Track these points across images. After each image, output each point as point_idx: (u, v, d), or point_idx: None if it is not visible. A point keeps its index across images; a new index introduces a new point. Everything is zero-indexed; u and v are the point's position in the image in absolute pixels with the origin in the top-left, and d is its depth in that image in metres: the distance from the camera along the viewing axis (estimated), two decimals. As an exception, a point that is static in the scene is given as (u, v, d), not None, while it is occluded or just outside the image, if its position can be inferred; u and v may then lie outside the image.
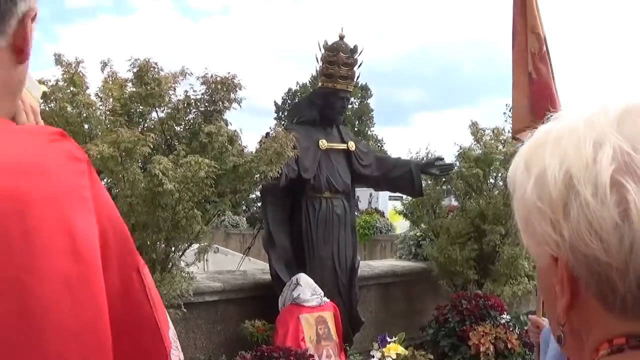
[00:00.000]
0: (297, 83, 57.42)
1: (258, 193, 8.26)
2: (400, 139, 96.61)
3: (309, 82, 56.46)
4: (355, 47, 8.10)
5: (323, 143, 7.99)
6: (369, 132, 55.60)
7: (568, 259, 0.96)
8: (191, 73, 6.59)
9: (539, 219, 0.98)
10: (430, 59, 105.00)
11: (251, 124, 14.12)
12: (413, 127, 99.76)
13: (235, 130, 6.58)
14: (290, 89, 57.43)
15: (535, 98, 6.54)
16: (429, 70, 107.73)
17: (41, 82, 6.01)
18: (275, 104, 57.70)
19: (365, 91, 55.37)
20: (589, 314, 0.99)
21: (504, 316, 8.58)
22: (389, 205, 28.95)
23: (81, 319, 1.00)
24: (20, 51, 1.21)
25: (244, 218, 28.53)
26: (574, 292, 0.99)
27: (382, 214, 25.95)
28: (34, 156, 1.03)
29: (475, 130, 9.93)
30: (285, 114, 53.94)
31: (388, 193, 29.97)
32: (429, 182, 9.95)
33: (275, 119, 55.19)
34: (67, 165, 1.06)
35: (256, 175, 6.45)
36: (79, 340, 1.00)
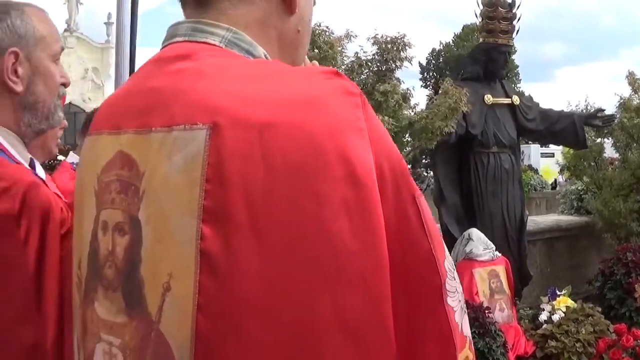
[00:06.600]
0: (441, 43, 57.04)
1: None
2: (544, 94, 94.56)
3: (452, 41, 55.94)
4: (514, 1, 8.04)
5: (488, 98, 7.96)
6: (515, 89, 54.62)
7: None
8: (356, 35, 6.70)
9: None
10: (568, 11, 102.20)
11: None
12: (556, 82, 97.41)
13: (408, 89, 6.68)
14: (434, 49, 57.08)
15: None
16: (567, 23, 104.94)
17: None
18: (420, 64, 57.34)
19: (509, 48, 54.51)
20: None
21: (669, 267, 8.38)
22: (541, 162, 28.52)
23: (360, 241, 1.07)
24: (289, 1, 1.30)
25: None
26: None
27: (535, 171, 25.60)
28: (312, 91, 1.12)
29: (633, 80, 9.72)
30: (431, 74, 53.62)
31: (540, 150, 29.54)
32: (591, 134, 9.80)
33: (420, 79, 54.93)
34: (342, 99, 1.12)
35: (432, 131, 6.52)
36: (357, 261, 1.07)
